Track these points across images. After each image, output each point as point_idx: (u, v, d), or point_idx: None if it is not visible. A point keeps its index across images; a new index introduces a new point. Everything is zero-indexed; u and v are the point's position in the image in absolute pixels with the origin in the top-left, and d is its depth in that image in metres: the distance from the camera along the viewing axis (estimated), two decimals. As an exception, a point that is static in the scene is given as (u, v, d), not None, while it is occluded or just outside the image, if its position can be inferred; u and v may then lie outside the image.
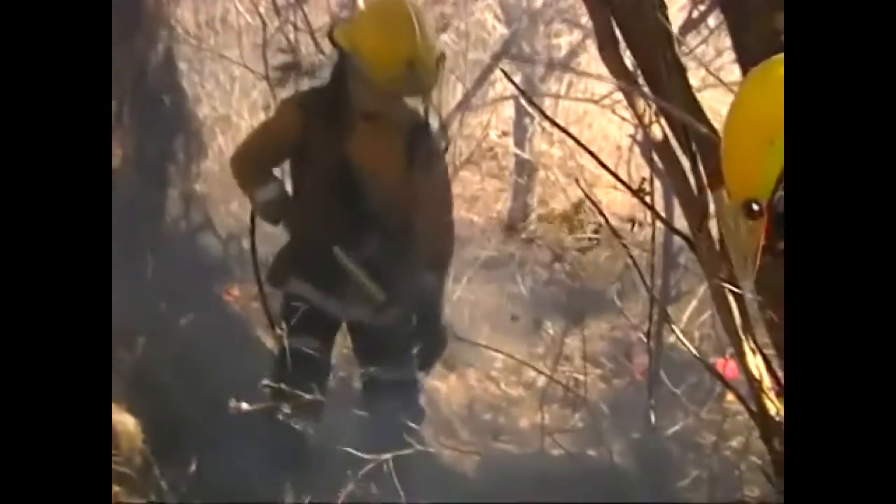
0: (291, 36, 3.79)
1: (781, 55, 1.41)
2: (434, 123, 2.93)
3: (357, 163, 2.87)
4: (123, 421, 2.80)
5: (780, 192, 1.34)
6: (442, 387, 3.70)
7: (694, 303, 3.65)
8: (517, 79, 4.54)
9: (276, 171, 3.08)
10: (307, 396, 2.82)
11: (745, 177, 1.39)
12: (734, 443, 3.15)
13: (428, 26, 2.83)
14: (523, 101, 4.39)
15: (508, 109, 5.26)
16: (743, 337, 2.12)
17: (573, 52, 4.58)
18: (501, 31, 4.95)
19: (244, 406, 2.79)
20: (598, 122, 4.62)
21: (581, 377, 3.56)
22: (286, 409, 2.87)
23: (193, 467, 2.80)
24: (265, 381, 2.97)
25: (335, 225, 2.88)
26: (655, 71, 2.08)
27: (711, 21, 3.30)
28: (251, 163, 2.93)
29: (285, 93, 3.55)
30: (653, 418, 3.31)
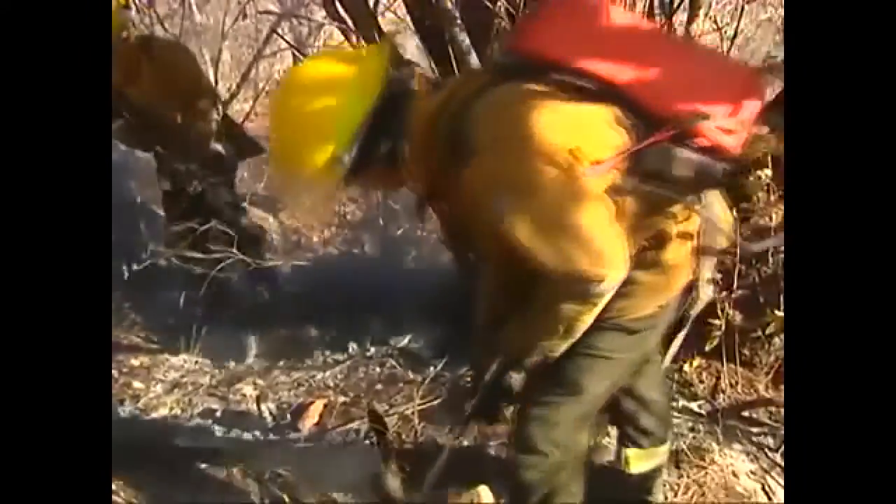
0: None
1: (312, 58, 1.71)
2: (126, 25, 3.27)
3: (133, 94, 3.32)
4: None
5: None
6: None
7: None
8: (291, 37, 5.76)
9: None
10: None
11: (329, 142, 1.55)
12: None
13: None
14: (295, 52, 5.18)
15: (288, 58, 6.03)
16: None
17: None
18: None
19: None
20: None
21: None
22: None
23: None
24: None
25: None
26: (358, 17, 2.58)
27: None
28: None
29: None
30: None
